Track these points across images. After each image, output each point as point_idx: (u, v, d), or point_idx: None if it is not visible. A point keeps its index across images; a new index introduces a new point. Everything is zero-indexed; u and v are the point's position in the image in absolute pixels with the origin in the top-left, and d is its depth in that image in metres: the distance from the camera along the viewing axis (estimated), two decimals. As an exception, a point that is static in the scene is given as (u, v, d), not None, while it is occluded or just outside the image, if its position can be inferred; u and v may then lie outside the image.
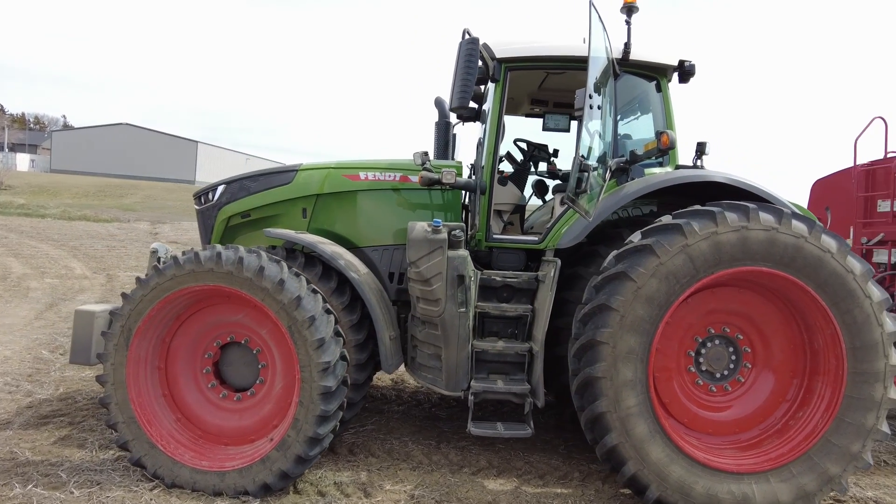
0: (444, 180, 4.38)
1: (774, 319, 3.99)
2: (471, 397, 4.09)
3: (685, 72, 4.73)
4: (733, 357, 4.03)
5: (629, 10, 4.48)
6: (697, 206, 3.80)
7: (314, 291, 3.87)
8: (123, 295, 3.88)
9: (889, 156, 6.02)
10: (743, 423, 3.98)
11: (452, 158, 5.93)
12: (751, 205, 3.68)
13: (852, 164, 6.29)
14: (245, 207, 4.91)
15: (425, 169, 4.43)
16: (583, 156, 3.69)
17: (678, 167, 4.76)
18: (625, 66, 4.58)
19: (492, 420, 4.20)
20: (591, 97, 3.72)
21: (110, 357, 3.87)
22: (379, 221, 4.90)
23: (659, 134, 4.05)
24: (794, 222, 3.64)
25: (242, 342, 4.06)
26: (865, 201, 6.30)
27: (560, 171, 5.94)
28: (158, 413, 3.96)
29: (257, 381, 4.05)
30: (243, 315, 4.03)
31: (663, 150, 4.10)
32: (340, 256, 4.34)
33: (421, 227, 4.20)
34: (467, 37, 4.11)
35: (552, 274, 4.13)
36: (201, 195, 5.15)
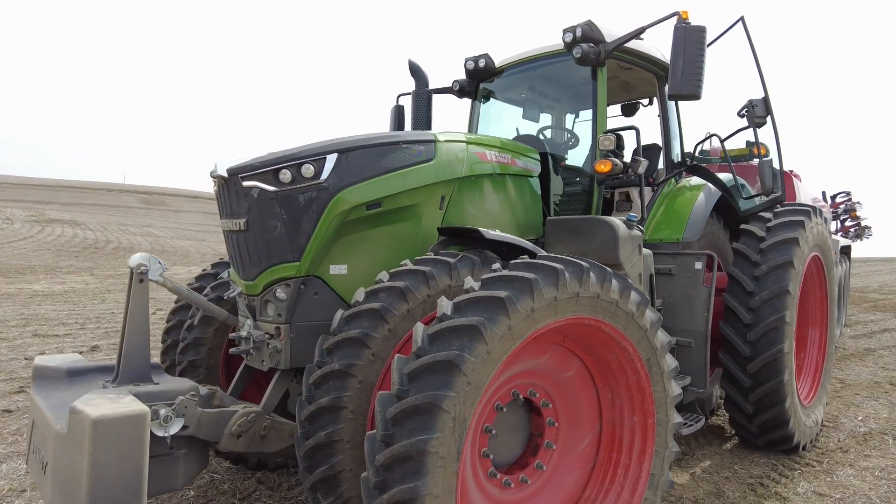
0: (639, 171, 3.88)
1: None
2: None
3: None
4: None
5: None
6: (788, 205, 4.76)
7: None
8: (453, 362, 2.03)
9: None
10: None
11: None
12: (810, 206, 4.89)
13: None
14: (378, 194, 2.99)
15: (615, 154, 3.82)
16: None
17: None
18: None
19: None
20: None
21: (433, 485, 2.00)
22: (503, 213, 3.90)
23: (752, 144, 4.72)
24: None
25: (527, 395, 2.73)
26: None
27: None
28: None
29: (544, 446, 2.81)
30: (548, 356, 2.70)
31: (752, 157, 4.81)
32: None
33: (621, 223, 3.68)
34: (686, 23, 3.73)
35: (697, 266, 4.32)
36: (280, 167, 2.76)
